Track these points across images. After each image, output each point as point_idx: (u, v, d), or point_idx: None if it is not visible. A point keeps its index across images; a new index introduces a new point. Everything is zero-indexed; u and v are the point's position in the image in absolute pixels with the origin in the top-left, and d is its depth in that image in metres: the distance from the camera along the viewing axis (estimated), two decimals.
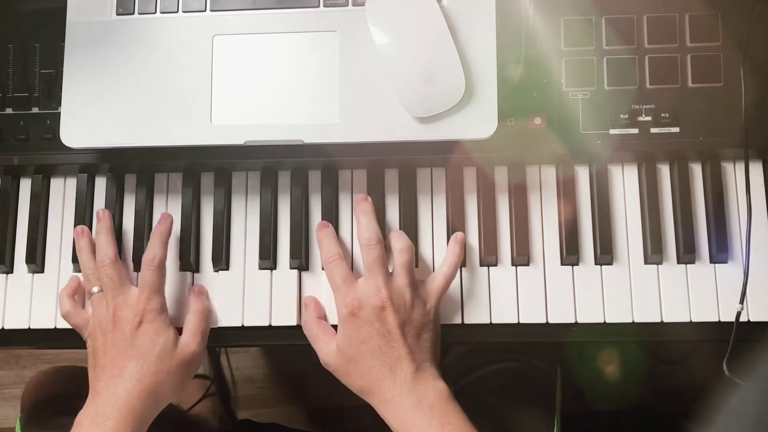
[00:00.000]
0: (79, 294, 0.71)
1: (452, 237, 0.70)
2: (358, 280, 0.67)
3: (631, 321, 0.69)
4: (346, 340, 0.65)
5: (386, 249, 0.69)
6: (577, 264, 0.70)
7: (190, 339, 0.68)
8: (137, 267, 0.72)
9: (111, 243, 0.70)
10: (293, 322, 0.71)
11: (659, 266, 0.70)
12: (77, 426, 0.64)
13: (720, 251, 0.69)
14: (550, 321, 0.69)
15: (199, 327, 0.69)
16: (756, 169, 0.71)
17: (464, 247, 0.70)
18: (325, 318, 0.70)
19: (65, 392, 0.86)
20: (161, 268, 0.68)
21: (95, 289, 0.68)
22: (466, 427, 0.62)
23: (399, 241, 0.68)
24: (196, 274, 0.73)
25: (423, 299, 0.66)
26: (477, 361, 0.82)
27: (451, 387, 0.65)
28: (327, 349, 0.67)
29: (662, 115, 0.70)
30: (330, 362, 0.66)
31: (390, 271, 0.67)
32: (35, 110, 0.73)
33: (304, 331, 0.69)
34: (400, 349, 0.63)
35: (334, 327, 0.69)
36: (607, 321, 0.69)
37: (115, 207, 0.74)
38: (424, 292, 0.67)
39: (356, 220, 0.70)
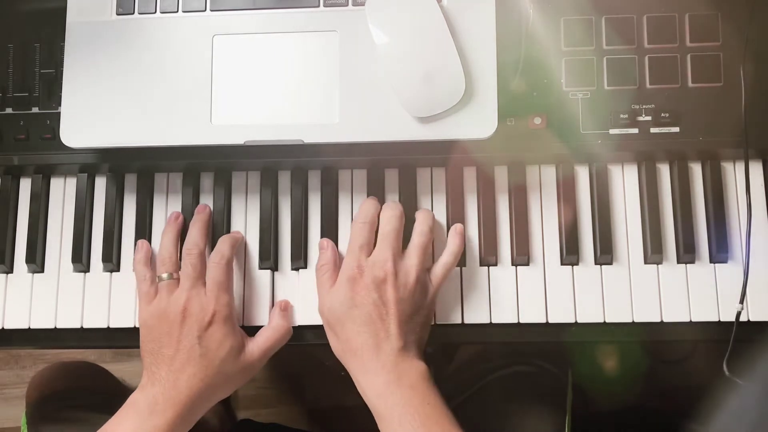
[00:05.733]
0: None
1: (452, 229, 0.70)
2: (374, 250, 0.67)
3: (631, 321, 0.69)
4: (340, 300, 0.65)
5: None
6: (577, 264, 0.70)
7: (257, 351, 0.68)
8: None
9: (205, 236, 0.70)
10: (293, 323, 0.71)
11: (659, 266, 0.70)
12: (132, 406, 0.65)
13: (720, 251, 0.69)
14: (550, 321, 0.69)
15: (273, 345, 0.69)
16: (756, 169, 0.71)
17: (464, 238, 0.70)
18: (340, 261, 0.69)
19: (70, 387, 0.86)
20: (229, 266, 0.69)
21: (165, 275, 0.68)
22: (444, 409, 0.62)
23: (423, 223, 0.69)
24: None
25: (425, 285, 0.67)
26: (486, 366, 0.82)
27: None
28: (324, 300, 0.67)
29: (662, 115, 0.70)
30: (323, 314, 0.67)
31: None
32: (35, 110, 0.73)
33: (316, 273, 0.69)
34: (391, 323, 0.64)
35: None
36: (607, 321, 0.69)
37: (115, 207, 0.74)
38: (427, 278, 0.67)
39: (382, 212, 0.70)
